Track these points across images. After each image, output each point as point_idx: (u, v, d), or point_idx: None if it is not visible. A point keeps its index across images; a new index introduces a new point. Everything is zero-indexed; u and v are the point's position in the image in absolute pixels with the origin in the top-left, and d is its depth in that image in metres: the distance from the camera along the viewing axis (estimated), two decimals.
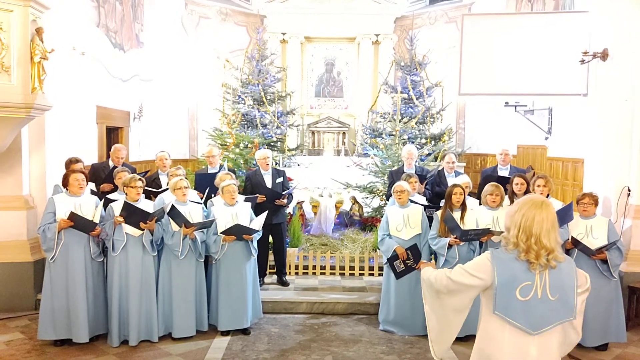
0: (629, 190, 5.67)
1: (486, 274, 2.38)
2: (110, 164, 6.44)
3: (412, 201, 5.54)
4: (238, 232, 5.11)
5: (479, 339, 2.48)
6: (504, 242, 2.42)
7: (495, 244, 4.85)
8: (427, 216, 5.49)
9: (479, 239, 5.03)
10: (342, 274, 6.91)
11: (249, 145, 9.10)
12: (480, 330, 2.48)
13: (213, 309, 5.24)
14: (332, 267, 6.93)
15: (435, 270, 2.60)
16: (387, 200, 6.40)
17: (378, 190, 8.34)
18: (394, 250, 5.26)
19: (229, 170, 6.39)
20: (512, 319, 2.33)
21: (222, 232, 5.08)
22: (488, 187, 5.27)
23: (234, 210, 5.25)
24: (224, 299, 5.14)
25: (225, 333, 5.18)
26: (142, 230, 4.88)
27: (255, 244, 5.31)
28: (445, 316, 2.54)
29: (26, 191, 5.98)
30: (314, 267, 6.92)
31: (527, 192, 5.51)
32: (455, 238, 5.01)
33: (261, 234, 5.39)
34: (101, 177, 6.18)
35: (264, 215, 5.32)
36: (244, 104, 10.49)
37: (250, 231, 5.16)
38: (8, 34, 4.99)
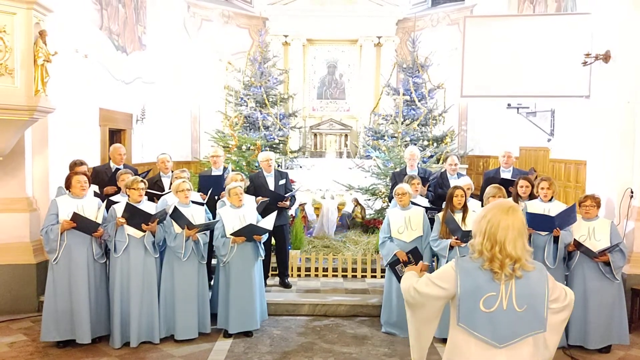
0: (632, 192, 5.66)
1: (450, 283, 2.28)
2: (112, 165, 6.44)
3: (413, 203, 5.54)
4: (250, 232, 5.12)
5: (447, 350, 2.38)
6: (470, 250, 2.31)
7: None
8: (429, 218, 5.48)
9: None
10: (344, 276, 6.91)
11: (251, 147, 9.12)
12: (449, 340, 2.37)
13: (222, 311, 5.21)
14: (335, 269, 6.93)
15: (405, 280, 2.47)
16: (390, 202, 6.40)
17: (380, 192, 8.33)
18: (395, 255, 5.26)
19: (232, 171, 6.39)
20: (476, 331, 2.22)
21: (233, 234, 5.09)
22: (490, 190, 5.26)
23: (241, 212, 5.25)
24: (236, 301, 5.12)
25: (227, 335, 5.18)
26: (144, 231, 4.89)
27: (262, 245, 5.33)
28: (416, 327, 2.44)
29: (29, 193, 6.00)
30: (316, 269, 6.92)
31: (531, 194, 5.51)
32: (457, 239, 5.01)
33: (267, 236, 5.40)
34: (104, 179, 6.19)
35: (273, 214, 5.32)
36: (246, 106, 10.51)
37: (262, 231, 5.18)
38: (11, 37, 5.01)
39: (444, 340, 4.94)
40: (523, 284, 2.21)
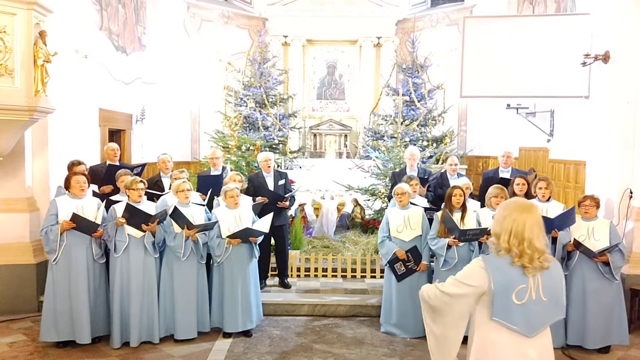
0: (631, 192, 5.67)
1: (480, 280, 2.38)
2: (108, 163, 6.42)
3: (412, 203, 5.54)
4: (245, 235, 5.12)
5: (475, 350, 2.44)
6: (494, 249, 2.41)
7: None
8: (428, 218, 5.49)
9: (478, 239, 5.03)
10: (343, 276, 6.91)
11: (251, 147, 9.13)
12: (476, 340, 2.44)
13: (216, 311, 5.24)
14: (334, 270, 6.93)
15: (429, 287, 2.57)
16: (389, 202, 6.40)
17: (380, 192, 8.34)
18: (394, 253, 5.26)
19: (231, 171, 6.39)
20: (510, 323, 2.34)
21: (229, 236, 5.08)
22: (492, 190, 5.27)
23: (237, 213, 5.25)
24: (230, 301, 5.13)
25: (227, 335, 5.19)
26: (144, 231, 4.89)
27: (257, 246, 5.32)
28: (441, 333, 2.52)
29: (29, 193, 6.00)
30: (316, 269, 6.92)
31: (527, 192, 5.52)
32: (454, 238, 5.01)
33: (263, 236, 5.40)
34: (100, 178, 6.18)
35: (269, 216, 5.32)
36: (246, 106, 10.53)
37: (258, 234, 5.18)
38: (12, 37, 5.01)
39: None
40: (547, 275, 2.38)
